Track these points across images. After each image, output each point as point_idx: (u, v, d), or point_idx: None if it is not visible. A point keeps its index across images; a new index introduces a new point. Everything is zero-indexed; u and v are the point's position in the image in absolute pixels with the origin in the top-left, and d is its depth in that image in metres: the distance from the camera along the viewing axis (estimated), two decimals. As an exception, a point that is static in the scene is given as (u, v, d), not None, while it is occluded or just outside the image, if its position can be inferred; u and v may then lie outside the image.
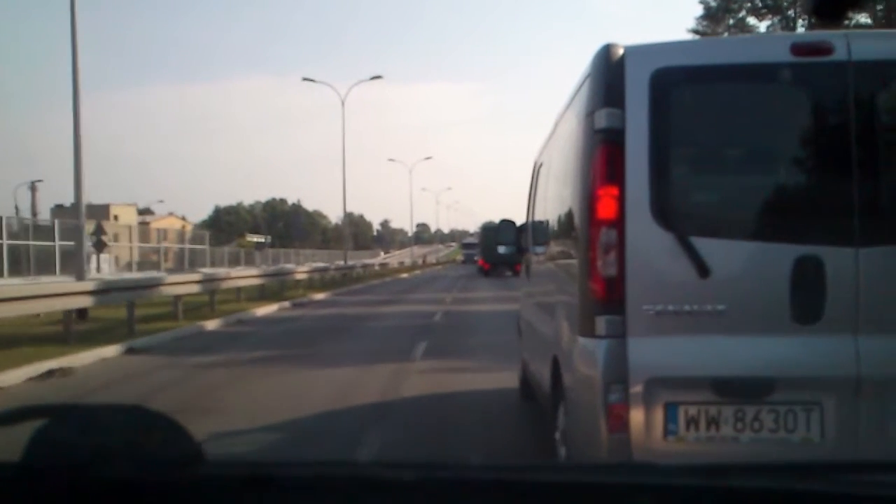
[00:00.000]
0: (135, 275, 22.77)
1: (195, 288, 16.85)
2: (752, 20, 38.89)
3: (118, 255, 31.14)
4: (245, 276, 21.49)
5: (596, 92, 3.45)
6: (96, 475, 1.08)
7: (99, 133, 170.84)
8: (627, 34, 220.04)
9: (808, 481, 1.14)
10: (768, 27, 39.92)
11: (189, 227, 71.34)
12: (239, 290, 20.74)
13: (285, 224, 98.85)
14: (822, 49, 3.28)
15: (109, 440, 1.12)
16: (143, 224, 54.67)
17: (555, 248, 4.58)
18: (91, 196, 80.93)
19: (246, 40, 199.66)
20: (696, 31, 40.98)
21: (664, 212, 3.28)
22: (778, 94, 3.47)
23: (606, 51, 3.42)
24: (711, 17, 41.60)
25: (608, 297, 3.34)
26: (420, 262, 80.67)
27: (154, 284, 15.15)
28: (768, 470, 1.16)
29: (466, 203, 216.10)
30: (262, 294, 22.50)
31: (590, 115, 3.47)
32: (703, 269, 3.26)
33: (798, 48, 3.30)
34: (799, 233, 3.28)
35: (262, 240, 74.35)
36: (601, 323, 3.35)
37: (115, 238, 30.93)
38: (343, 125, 41.73)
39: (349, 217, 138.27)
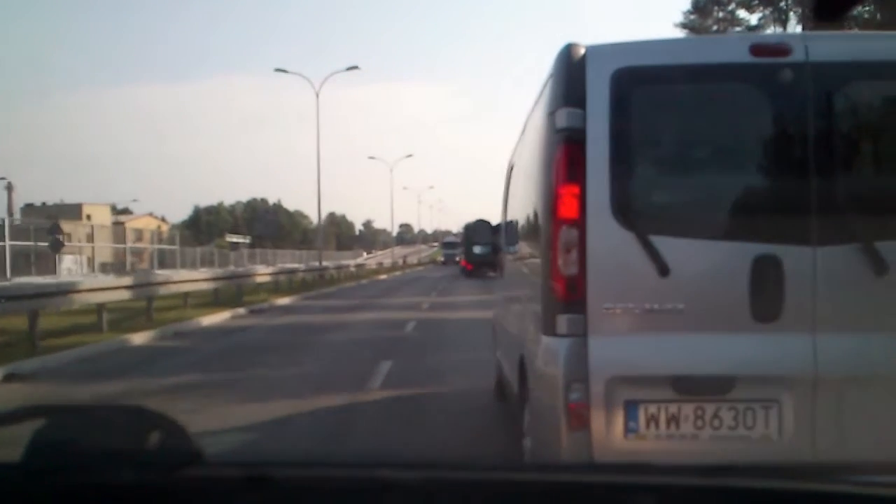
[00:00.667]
0: (88, 277, 19.70)
1: (123, 294, 13.89)
2: (742, 13, 38.26)
3: (90, 256, 29.84)
4: (192, 279, 18.66)
5: (557, 91, 3.45)
6: (96, 475, 1.08)
7: (77, 132, 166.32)
8: (609, 32, 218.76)
9: (807, 481, 1.15)
10: (760, 19, 39.05)
11: (165, 228, 68.18)
12: (186, 295, 17.98)
13: (263, 224, 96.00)
14: (781, 50, 3.32)
15: (109, 440, 1.13)
16: (118, 224, 52.18)
17: (523, 247, 4.58)
18: (65, 195, 77.02)
19: (229, 40, 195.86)
20: (683, 26, 40.25)
21: (624, 211, 3.28)
22: (737, 94, 3.47)
23: (568, 50, 3.41)
24: (700, 9, 40.76)
25: (569, 296, 3.34)
26: (401, 262, 77.11)
27: (65, 291, 12.19)
28: (768, 470, 1.22)
29: (449, 203, 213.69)
30: (217, 300, 20.14)
31: (551, 114, 3.47)
32: (662, 268, 3.26)
33: (757, 49, 3.33)
34: (757, 232, 3.29)
35: (240, 240, 71.14)
36: (562, 322, 3.34)
37: (89, 238, 29.93)
38: (317, 118, 39.00)
39: (331, 217, 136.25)
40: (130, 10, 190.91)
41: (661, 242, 3.30)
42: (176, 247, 35.83)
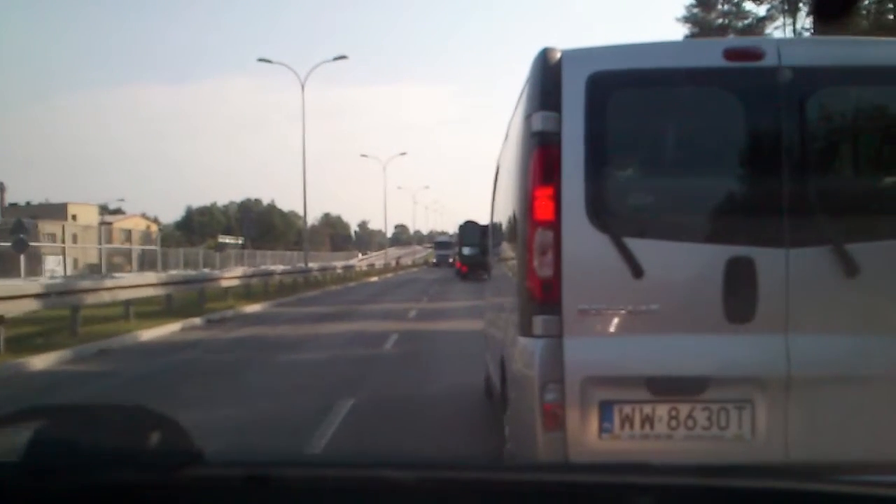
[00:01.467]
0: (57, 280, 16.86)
1: (32, 305, 10.87)
2: (749, 5, 36.40)
3: (76, 258, 29.80)
4: (133, 285, 15.44)
5: (533, 95, 3.46)
6: (96, 475, 1.08)
7: (69, 133, 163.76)
8: (610, 33, 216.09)
9: (808, 481, 1.15)
10: (768, 10, 38.05)
11: (155, 228, 64.95)
12: (128, 303, 14.85)
13: (247, 224, 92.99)
14: (754, 54, 3.34)
15: (109, 440, 1.13)
16: (105, 224, 49.02)
17: (505, 249, 4.59)
18: (58, 196, 74.39)
19: (224, 42, 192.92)
20: (686, 20, 39.41)
21: (599, 213, 3.30)
22: (711, 97, 3.48)
23: (544, 55, 3.42)
24: (703, 3, 39.84)
25: (544, 298, 3.34)
26: (393, 263, 72.99)
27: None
28: (768, 470, 1.16)
29: (445, 203, 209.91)
30: (170, 308, 17.43)
31: (528, 117, 3.50)
32: (637, 270, 3.27)
33: (730, 53, 3.36)
34: (731, 234, 3.32)
35: (229, 241, 67.91)
36: (538, 323, 3.35)
37: (74, 239, 29.65)
38: (303, 111, 36.35)
39: (326, 218, 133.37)
40: (130, 9, 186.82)
41: (636, 244, 3.31)
42: (156, 248, 34.19)
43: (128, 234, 37.43)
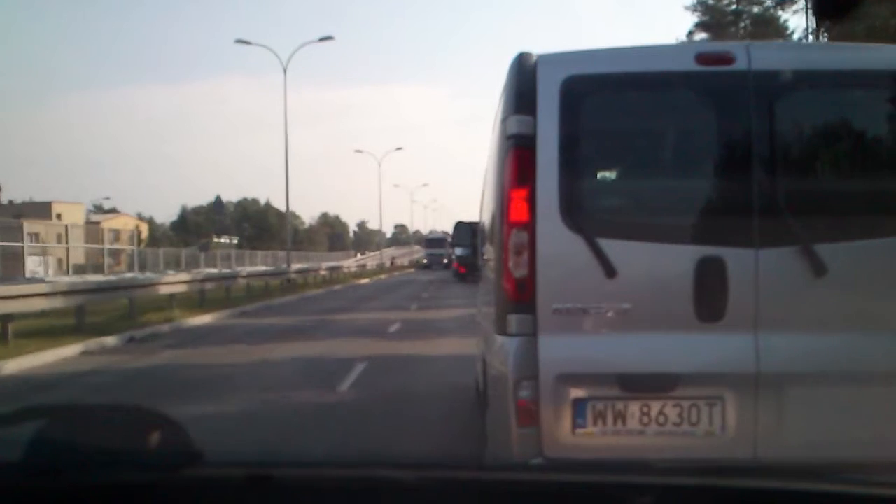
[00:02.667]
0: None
1: None
2: None
3: (61, 258, 27.57)
4: (22, 294, 11.06)
5: (509, 99, 3.50)
6: (96, 475, 1.08)
7: (62, 133, 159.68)
8: (610, 30, 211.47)
9: (808, 481, 1.17)
10: None
11: (144, 227, 60.72)
12: (8, 318, 10.67)
13: (253, 224, 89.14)
14: (724, 59, 3.39)
15: (109, 440, 1.12)
16: (94, 224, 46.99)
17: (487, 249, 4.63)
18: (41, 194, 70.28)
19: (223, 42, 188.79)
20: (695, 7, 38.59)
21: (573, 214, 3.36)
22: (682, 101, 3.56)
23: (519, 59, 3.49)
24: None
25: (519, 297, 3.39)
26: (388, 264, 68.33)
27: None
28: (768, 470, 1.24)
29: (445, 202, 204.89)
30: (83, 323, 13.45)
31: (504, 120, 3.55)
32: (609, 270, 3.33)
33: (701, 58, 3.41)
34: (702, 235, 3.39)
35: (207, 242, 63.53)
36: (513, 321, 3.41)
37: (59, 239, 27.77)
38: (285, 96, 32.29)
39: (324, 218, 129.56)
40: (130, 8, 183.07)
41: (609, 245, 3.37)
42: (132, 247, 32.04)
43: (116, 234, 35.73)
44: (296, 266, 34.71)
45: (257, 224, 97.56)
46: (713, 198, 3.53)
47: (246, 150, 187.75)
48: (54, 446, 1.09)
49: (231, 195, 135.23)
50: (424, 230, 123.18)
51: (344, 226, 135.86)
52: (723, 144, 3.48)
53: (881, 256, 3.35)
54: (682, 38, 38.91)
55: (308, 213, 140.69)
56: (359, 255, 78.81)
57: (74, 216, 55.53)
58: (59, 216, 54.29)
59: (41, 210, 57.15)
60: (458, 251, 30.77)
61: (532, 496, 1.11)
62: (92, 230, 33.84)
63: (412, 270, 60.50)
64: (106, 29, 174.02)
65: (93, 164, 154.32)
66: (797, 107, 3.49)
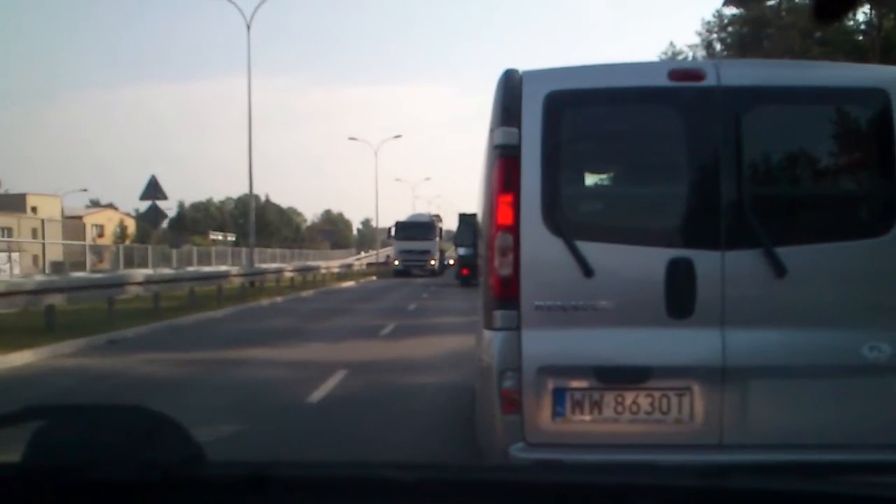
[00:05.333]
0: None
1: None
2: None
3: (37, 255, 26.20)
4: None
5: (496, 112, 3.78)
6: (96, 475, 1.08)
7: (56, 129, 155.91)
8: (613, 38, 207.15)
9: (807, 481, 1.18)
10: None
11: (131, 223, 57.25)
12: None
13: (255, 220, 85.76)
14: (695, 75, 3.66)
15: (109, 440, 1.13)
16: (74, 219, 44.42)
17: (481, 249, 4.82)
18: (14, 185, 66.96)
19: (230, 41, 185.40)
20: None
21: (554, 219, 3.64)
22: (656, 114, 3.84)
23: (506, 75, 3.77)
24: None
25: (504, 294, 3.64)
26: (386, 262, 56.76)
27: None
28: (768, 470, 1.31)
29: (449, 198, 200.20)
30: None
31: (492, 131, 3.84)
32: (587, 270, 3.59)
33: (674, 74, 3.68)
34: (672, 238, 3.67)
35: (219, 237, 59.98)
36: (498, 317, 3.67)
37: (34, 234, 27.16)
38: (248, 56, 28.55)
39: (327, 215, 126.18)
40: (131, 7, 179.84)
41: (586, 247, 3.62)
42: (116, 245, 28.50)
43: (100, 229, 36.26)
44: (271, 266, 31.05)
45: (257, 220, 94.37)
46: (683, 204, 3.75)
47: (242, 146, 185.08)
48: (54, 446, 1.09)
49: (231, 191, 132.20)
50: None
51: (347, 223, 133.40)
52: (693, 155, 3.70)
53: (836, 258, 3.62)
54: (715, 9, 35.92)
55: (311, 211, 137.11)
56: (363, 253, 74.97)
57: (51, 209, 52.52)
58: (34, 209, 51.99)
59: (15, 202, 54.01)
60: (462, 251, 26.77)
61: (532, 497, 1.12)
62: (71, 225, 32.42)
63: (373, 279, 41.20)
64: (108, 27, 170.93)
65: (82, 159, 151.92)
66: (762, 120, 3.73)
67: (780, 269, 3.50)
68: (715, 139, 3.58)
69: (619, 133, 3.90)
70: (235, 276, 23.02)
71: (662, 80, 3.62)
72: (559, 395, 3.54)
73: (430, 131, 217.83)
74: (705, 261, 3.52)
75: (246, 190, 31.11)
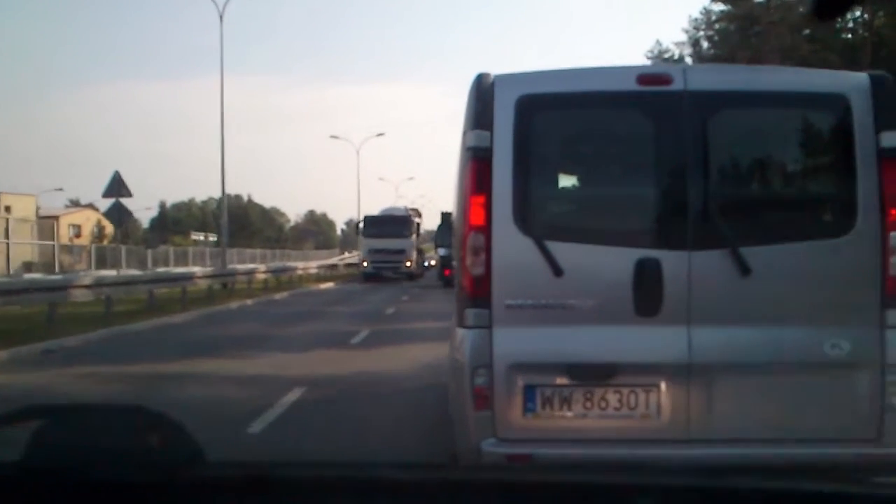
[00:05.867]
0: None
1: None
2: None
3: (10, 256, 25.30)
4: None
5: (469, 115, 3.85)
6: (96, 475, 1.08)
7: (46, 128, 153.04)
8: (599, 37, 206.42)
9: (807, 482, 1.16)
10: None
11: (108, 222, 55.23)
12: None
13: (233, 221, 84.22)
14: (663, 79, 3.72)
15: (109, 440, 1.11)
16: (49, 219, 42.26)
17: (454, 250, 5.05)
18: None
19: (213, 40, 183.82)
20: None
21: (524, 219, 3.70)
22: (624, 118, 3.91)
23: (479, 79, 3.83)
24: None
25: (476, 293, 3.69)
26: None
27: None
28: (768, 470, 1.31)
29: (433, 198, 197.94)
30: None
31: (465, 134, 3.92)
32: (557, 269, 3.64)
33: (643, 78, 3.73)
34: (640, 238, 3.72)
35: (200, 237, 58.38)
36: (470, 315, 3.72)
37: (5, 234, 25.33)
38: (221, 49, 26.91)
39: (310, 215, 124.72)
40: (116, 4, 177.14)
41: (556, 247, 3.66)
42: (89, 244, 27.23)
43: (77, 229, 35.12)
44: (242, 267, 29.63)
45: (238, 220, 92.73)
46: (651, 205, 3.83)
47: (229, 146, 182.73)
48: (54, 446, 1.08)
49: (213, 191, 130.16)
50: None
51: (331, 224, 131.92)
52: (660, 157, 3.75)
53: (799, 258, 3.69)
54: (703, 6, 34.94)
55: (294, 211, 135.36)
56: (346, 254, 73.38)
57: (26, 208, 50.90)
58: (7, 209, 50.60)
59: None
60: (442, 251, 25.08)
61: (532, 497, 1.11)
62: (45, 225, 31.44)
63: (326, 286, 33.23)
64: (106, 25, 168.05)
65: (62, 158, 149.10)
66: (727, 124, 3.81)
67: (744, 269, 3.59)
68: (682, 142, 3.66)
69: (588, 136, 4.02)
70: (201, 277, 21.15)
71: (631, 85, 3.69)
72: (530, 391, 3.62)
73: (415, 130, 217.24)
74: (672, 261, 3.60)
75: (227, 190, 29.65)
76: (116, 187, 20.10)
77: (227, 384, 8.59)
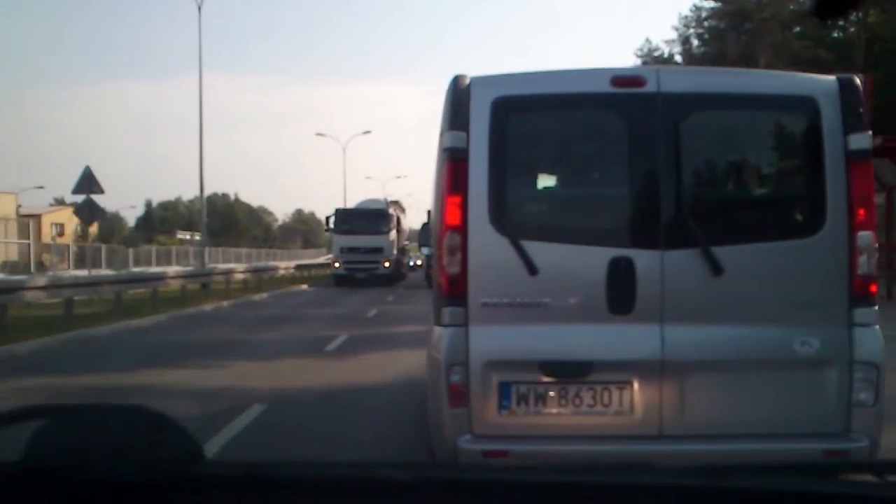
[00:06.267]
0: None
1: None
2: None
3: None
4: None
5: (446, 116, 3.88)
6: (96, 475, 1.07)
7: (32, 127, 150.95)
8: (588, 35, 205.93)
9: (807, 481, 1.16)
10: None
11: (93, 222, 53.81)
12: None
13: (219, 220, 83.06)
14: (637, 81, 3.73)
15: (109, 440, 1.12)
16: (29, 217, 41.44)
17: (433, 249, 5.08)
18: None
19: (208, 40, 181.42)
20: None
21: (500, 219, 3.73)
22: (599, 119, 3.96)
23: (455, 81, 3.86)
24: None
25: (452, 292, 3.72)
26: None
27: None
28: (768, 470, 1.19)
29: (421, 196, 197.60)
30: None
31: (442, 135, 3.96)
32: (532, 269, 3.67)
33: (616, 80, 3.75)
34: (614, 237, 3.75)
35: (186, 236, 57.20)
36: (446, 313, 3.76)
37: None
38: (199, 35, 26.09)
39: (298, 214, 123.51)
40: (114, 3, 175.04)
41: (531, 246, 3.69)
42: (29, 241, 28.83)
43: (60, 228, 34.02)
44: (220, 267, 27.86)
45: (225, 219, 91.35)
46: (624, 205, 3.85)
47: (215, 144, 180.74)
48: (54, 446, 1.08)
49: (198, 190, 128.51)
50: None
51: (319, 223, 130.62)
52: (633, 158, 3.78)
53: (769, 258, 3.73)
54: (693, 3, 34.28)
55: (282, 210, 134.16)
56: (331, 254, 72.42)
57: (5, 207, 49.47)
58: None
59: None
60: (426, 250, 23.87)
61: (532, 496, 1.11)
62: (24, 224, 30.93)
63: (305, 287, 30.78)
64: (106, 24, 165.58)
65: (47, 157, 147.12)
66: (700, 125, 3.84)
67: (716, 268, 3.63)
68: (655, 143, 3.69)
69: (563, 137, 4.07)
70: (173, 277, 19.70)
71: (605, 87, 3.71)
72: (505, 388, 3.64)
73: (403, 130, 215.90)
74: (645, 260, 3.64)
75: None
76: (87, 183, 19.03)
77: (178, 400, 7.45)
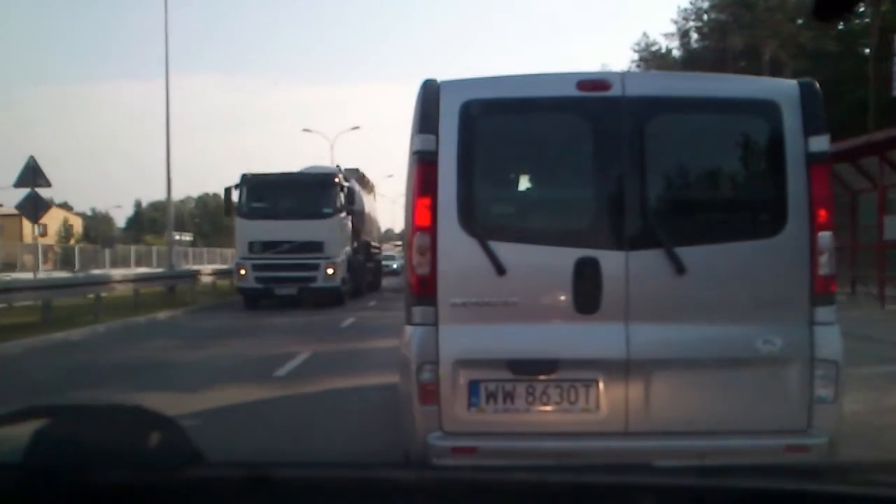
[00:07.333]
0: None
1: None
2: None
3: None
4: None
5: (416, 119, 3.99)
6: (96, 475, 1.07)
7: (19, 126, 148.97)
8: (584, 31, 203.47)
9: (807, 481, 1.16)
10: None
11: (77, 222, 53.06)
12: None
13: (209, 220, 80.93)
14: (602, 85, 3.80)
15: (109, 440, 1.11)
16: (11, 217, 40.21)
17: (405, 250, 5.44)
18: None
19: (190, 38, 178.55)
20: None
21: (468, 221, 3.81)
22: (565, 122, 4.02)
23: (425, 85, 3.97)
24: None
25: (422, 292, 3.80)
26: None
27: None
28: (768, 470, 1.17)
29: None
30: None
31: (412, 137, 4.06)
32: (499, 269, 3.74)
33: (582, 84, 3.82)
34: (580, 238, 3.82)
35: (108, 236, 55.08)
36: (416, 313, 3.85)
37: None
38: (165, 27, 23.65)
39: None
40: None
41: (499, 247, 3.76)
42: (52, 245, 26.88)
43: (43, 228, 29.70)
44: (187, 269, 26.30)
45: (215, 220, 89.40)
46: (590, 207, 3.93)
47: (203, 143, 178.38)
48: (54, 446, 1.07)
49: (191, 190, 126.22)
50: (397, 229, 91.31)
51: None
52: (599, 161, 3.86)
53: (732, 258, 3.79)
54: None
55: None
56: None
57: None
58: None
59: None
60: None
61: (532, 496, 1.11)
62: (10, 224, 31.74)
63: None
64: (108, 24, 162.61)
65: (23, 155, 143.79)
66: (664, 128, 3.88)
67: (680, 268, 3.68)
68: (620, 146, 3.75)
69: (530, 140, 4.09)
70: (120, 282, 16.82)
71: (571, 90, 3.76)
72: (474, 386, 3.71)
73: (392, 128, 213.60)
74: (610, 260, 3.69)
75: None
76: (31, 175, 16.99)
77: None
